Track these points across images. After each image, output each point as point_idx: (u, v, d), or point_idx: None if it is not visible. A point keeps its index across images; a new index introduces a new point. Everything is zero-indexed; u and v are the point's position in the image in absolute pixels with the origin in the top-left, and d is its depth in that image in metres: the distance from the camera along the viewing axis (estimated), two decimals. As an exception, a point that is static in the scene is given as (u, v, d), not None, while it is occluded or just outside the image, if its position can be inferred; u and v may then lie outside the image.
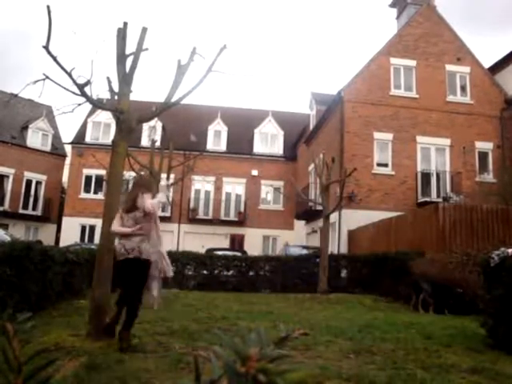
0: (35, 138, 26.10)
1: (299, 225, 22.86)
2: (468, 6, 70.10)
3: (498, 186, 14.87)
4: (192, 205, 24.50)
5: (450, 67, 17.24)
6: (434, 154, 16.61)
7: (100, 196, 22.94)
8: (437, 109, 16.72)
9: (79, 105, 5.13)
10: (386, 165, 16.33)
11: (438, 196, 15.72)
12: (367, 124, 16.36)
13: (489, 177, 16.30)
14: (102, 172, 17.20)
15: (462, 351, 4.39)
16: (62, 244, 18.54)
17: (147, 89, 68.30)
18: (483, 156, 16.73)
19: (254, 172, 25.23)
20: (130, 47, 4.90)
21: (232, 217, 24.71)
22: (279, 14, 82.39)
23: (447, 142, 16.61)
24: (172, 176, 12.15)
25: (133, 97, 5.20)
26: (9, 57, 60.86)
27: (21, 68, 62.25)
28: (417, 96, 16.85)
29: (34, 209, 25.68)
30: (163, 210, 22.17)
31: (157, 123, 17.59)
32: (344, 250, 14.96)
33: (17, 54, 64.55)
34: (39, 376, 0.55)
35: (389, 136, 16.43)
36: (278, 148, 26.07)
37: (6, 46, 60.91)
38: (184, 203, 24.19)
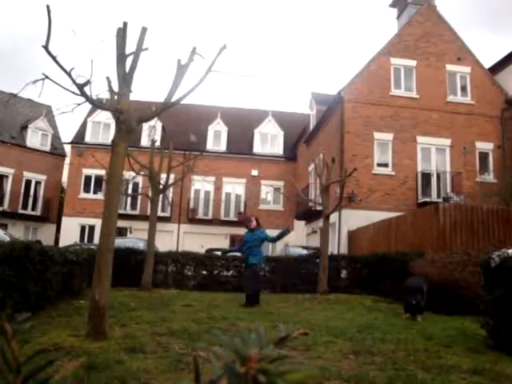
0: (35, 138, 26.09)
1: (299, 225, 22.86)
2: (486, 7, 70.15)
3: (498, 186, 14.89)
4: (192, 205, 24.50)
5: (450, 67, 17.24)
6: (435, 154, 16.61)
7: (99, 196, 22.96)
8: (437, 109, 16.72)
9: (79, 105, 5.13)
10: (386, 165, 16.33)
11: (439, 196, 15.72)
12: (367, 124, 16.35)
13: (489, 177, 16.30)
14: (102, 172, 17.19)
15: (462, 352, 4.39)
16: (61, 244, 18.54)
17: (147, 89, 68.49)
18: (484, 156, 16.73)
19: (254, 172, 25.22)
20: (130, 47, 4.91)
21: (232, 217, 24.70)
22: (279, 13, 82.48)
23: (447, 142, 16.61)
24: (172, 176, 12.13)
25: (133, 97, 5.20)
26: (17, 58, 60.94)
27: (28, 69, 62.30)
28: (417, 96, 16.84)
29: (33, 209, 25.67)
30: (163, 211, 22.18)
31: (157, 123, 17.58)
32: (344, 250, 14.96)
33: (24, 55, 64.61)
34: (38, 376, 0.54)
35: (389, 136, 16.43)
36: (277, 148, 26.06)
37: (15, 47, 60.99)
38: (184, 203, 24.19)
